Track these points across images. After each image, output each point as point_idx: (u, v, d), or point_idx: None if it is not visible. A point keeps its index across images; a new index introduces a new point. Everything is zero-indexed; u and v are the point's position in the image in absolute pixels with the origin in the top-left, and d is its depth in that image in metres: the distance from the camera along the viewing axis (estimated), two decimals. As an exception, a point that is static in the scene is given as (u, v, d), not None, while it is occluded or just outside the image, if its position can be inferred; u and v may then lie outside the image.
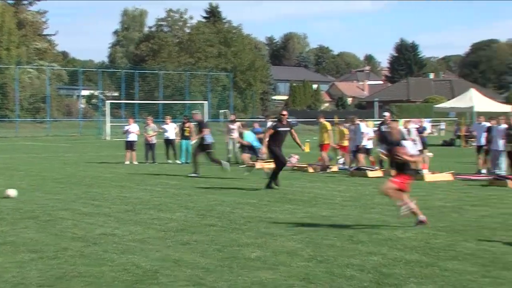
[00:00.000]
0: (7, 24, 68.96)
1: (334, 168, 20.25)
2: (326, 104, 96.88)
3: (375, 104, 74.16)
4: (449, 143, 39.81)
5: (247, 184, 16.30)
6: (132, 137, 24.10)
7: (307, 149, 28.44)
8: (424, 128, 21.75)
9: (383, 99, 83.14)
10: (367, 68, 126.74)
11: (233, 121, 24.64)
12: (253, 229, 9.53)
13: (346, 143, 20.93)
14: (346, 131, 20.94)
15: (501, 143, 17.66)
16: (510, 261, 7.45)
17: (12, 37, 69.55)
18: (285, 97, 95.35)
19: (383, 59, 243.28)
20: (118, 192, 14.36)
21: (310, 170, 19.93)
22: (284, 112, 15.18)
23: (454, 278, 6.69)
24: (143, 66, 73.11)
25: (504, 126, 17.87)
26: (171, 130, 24.75)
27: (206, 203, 12.44)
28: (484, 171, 18.90)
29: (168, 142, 24.53)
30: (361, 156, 20.18)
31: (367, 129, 20.56)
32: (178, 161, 23.95)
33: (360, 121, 20.76)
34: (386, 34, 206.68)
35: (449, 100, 50.96)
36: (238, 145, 23.55)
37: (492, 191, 14.62)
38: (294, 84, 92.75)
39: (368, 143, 20.30)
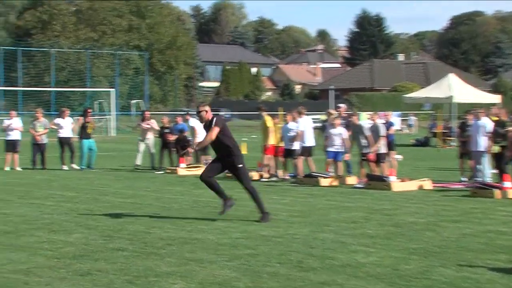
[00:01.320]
0: None
1: (281, 175, 20.41)
2: (269, 93, 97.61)
3: (330, 93, 75.19)
4: (423, 143, 40.74)
5: (168, 195, 16.23)
6: (15, 135, 23.76)
7: (244, 150, 28.39)
8: (391, 124, 22.13)
9: (340, 86, 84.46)
10: (320, 47, 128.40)
11: (146, 118, 24.62)
12: (175, 254, 9.50)
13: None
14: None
15: (482, 143, 18.16)
16: (497, 290, 7.68)
17: None
18: (216, 84, 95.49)
19: (341, 36, 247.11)
20: (-4, 207, 14.06)
21: (252, 177, 20.01)
22: (201, 108, 12.71)
23: (429, 312, 6.85)
24: (29, 42, 71.79)
25: (484, 121, 18.37)
26: (68, 126, 24.52)
27: (114, 221, 12.33)
28: (464, 178, 19.41)
29: (64, 142, 24.27)
30: (309, 160, 20.36)
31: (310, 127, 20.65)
32: (76, 166, 23.71)
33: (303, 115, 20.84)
34: (344, 5, 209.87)
35: (423, 88, 52.15)
36: (152, 146, 23.72)
37: (475, 203, 15.03)
38: (228, 67, 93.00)
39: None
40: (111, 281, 8.03)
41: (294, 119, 20.24)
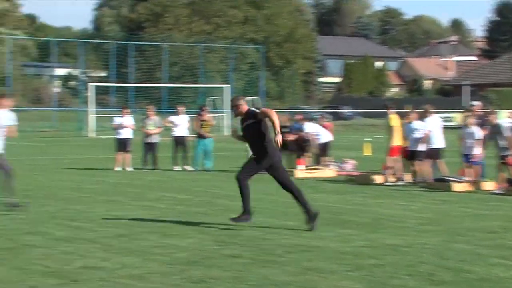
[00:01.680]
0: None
1: (408, 178, 20.15)
2: (395, 89, 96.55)
3: (464, 89, 73.66)
4: None
5: (285, 199, 16.30)
6: (126, 134, 24.24)
7: (367, 151, 28.35)
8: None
9: (476, 81, 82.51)
10: (454, 38, 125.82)
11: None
12: (293, 262, 9.53)
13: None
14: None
15: None
16: None
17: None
18: (338, 79, 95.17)
19: (477, 26, 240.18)
20: (107, 209, 14.48)
21: (375, 181, 19.91)
22: (236, 102, 12.58)
23: None
24: (141, 35, 73.55)
25: None
26: (183, 124, 24.73)
27: (228, 226, 12.47)
28: None
29: (179, 141, 24.58)
30: (441, 163, 20.05)
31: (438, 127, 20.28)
32: (189, 167, 24.05)
33: (432, 114, 20.52)
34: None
35: None
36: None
37: None
38: (350, 61, 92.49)
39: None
40: (226, 290, 8.14)
41: (420, 118, 19.97)
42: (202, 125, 24.06)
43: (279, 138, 12.08)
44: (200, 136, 23.97)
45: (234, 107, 12.49)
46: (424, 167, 19.70)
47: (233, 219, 12.31)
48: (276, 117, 12.04)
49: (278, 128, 12.09)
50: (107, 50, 68.56)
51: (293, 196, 12.48)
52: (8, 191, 14.26)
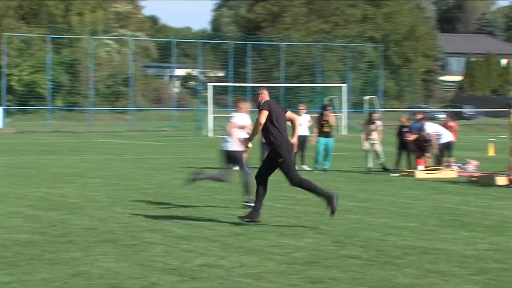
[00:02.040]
0: (79, -19, 72.25)
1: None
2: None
3: None
4: None
5: (404, 200, 16.09)
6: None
7: (491, 152, 27.69)
8: None
9: None
10: None
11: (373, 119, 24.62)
12: (414, 265, 9.41)
13: None
14: None
15: None
16: None
17: (86, -3, 72.65)
18: (459, 78, 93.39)
19: None
20: (225, 208, 14.66)
21: (498, 182, 19.42)
22: (258, 91, 13.00)
23: None
24: (259, 35, 74.10)
25: None
26: (305, 124, 24.67)
27: (346, 227, 12.43)
28: None
29: (300, 141, 24.49)
30: None
31: None
32: (306, 167, 24.04)
33: None
34: None
35: None
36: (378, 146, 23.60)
37: None
38: (473, 59, 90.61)
39: None
40: (344, 291, 8.11)
41: None
42: (323, 124, 23.99)
43: (294, 141, 12.74)
44: (321, 135, 23.91)
45: (256, 94, 12.81)
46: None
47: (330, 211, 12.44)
48: (297, 123, 12.91)
49: (297, 133, 12.95)
50: (225, 50, 69.32)
51: (305, 189, 12.77)
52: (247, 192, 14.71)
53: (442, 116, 50.95)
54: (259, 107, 12.55)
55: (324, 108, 25.09)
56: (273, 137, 12.58)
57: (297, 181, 12.78)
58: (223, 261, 9.62)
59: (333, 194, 12.45)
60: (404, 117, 24.41)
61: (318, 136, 24.04)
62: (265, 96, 12.70)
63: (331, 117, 24.39)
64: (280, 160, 12.66)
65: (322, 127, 23.96)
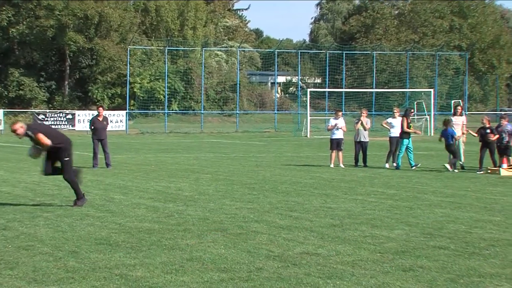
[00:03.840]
0: (194, -1, 73.18)
1: None
2: None
3: None
4: None
5: (489, 196, 15.72)
6: (339, 134, 24.32)
7: None
8: None
9: None
10: None
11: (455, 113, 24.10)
12: (499, 256, 9.18)
13: None
14: None
15: None
16: None
17: (199, 13, 73.76)
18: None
19: None
20: (322, 202, 14.60)
21: None
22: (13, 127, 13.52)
23: None
24: (353, 45, 73.72)
25: None
26: (398, 126, 24.31)
27: (434, 219, 12.22)
28: None
29: (393, 142, 24.25)
30: None
31: None
32: (387, 165, 23.67)
33: None
34: None
35: None
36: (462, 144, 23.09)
37: None
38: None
39: None
40: (433, 279, 7.96)
41: None
42: (409, 126, 23.67)
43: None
44: (404, 136, 23.57)
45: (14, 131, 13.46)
46: None
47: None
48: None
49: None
50: (322, 59, 69.23)
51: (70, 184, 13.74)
52: None
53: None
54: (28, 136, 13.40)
55: (408, 110, 24.72)
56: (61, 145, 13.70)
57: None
58: (321, 249, 9.60)
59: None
60: (486, 118, 23.81)
61: (401, 137, 23.58)
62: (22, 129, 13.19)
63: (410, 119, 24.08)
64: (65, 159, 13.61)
65: (408, 128, 23.61)
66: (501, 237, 10.54)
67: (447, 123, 22.98)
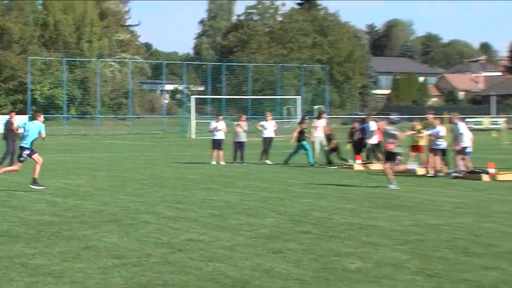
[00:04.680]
0: (89, 15, 71.73)
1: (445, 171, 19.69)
2: (434, 99, 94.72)
3: (492, 99, 71.73)
4: None
5: (345, 187, 16.17)
6: (220, 135, 24.40)
7: (421, 150, 27.59)
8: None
9: (501, 93, 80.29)
10: (483, 58, 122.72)
11: (318, 117, 24.61)
12: (353, 238, 9.45)
13: (421, 143, 20.95)
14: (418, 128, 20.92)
15: None
16: None
17: (94, 28, 72.27)
18: (387, 91, 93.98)
19: (502, 47, 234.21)
20: (204, 195, 14.60)
21: (418, 172, 19.55)
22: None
23: None
24: (231, 58, 74.04)
25: None
26: (271, 128, 24.76)
27: (300, 208, 12.44)
28: None
29: (266, 141, 24.56)
30: (459, 157, 19.18)
31: (466, 130, 19.52)
32: (269, 162, 24.00)
33: (460, 119, 19.91)
34: (506, 19, 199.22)
35: None
36: (321, 144, 23.52)
37: None
38: (398, 77, 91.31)
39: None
40: (299, 259, 8.11)
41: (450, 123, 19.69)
42: (303, 132, 23.75)
43: None
44: (301, 139, 23.63)
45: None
46: (458, 162, 19.14)
47: None
48: None
49: None
50: (205, 70, 69.26)
51: None
52: None
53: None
54: None
55: (303, 118, 25.07)
56: None
57: None
58: (204, 236, 9.60)
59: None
60: (356, 121, 24.43)
61: (298, 141, 23.68)
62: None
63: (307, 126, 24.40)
64: None
65: (303, 134, 23.71)
66: (355, 222, 10.86)
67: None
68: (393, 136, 16.42)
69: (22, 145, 15.48)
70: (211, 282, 7.02)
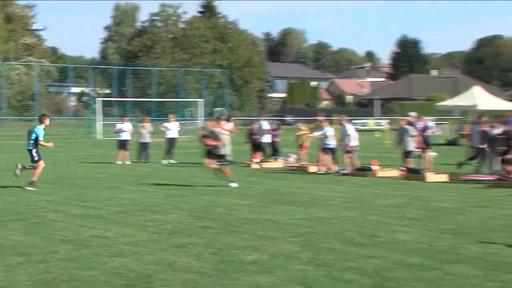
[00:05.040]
0: (-6, 19, 68.82)
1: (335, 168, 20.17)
2: (325, 102, 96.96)
3: (375, 102, 74.16)
4: (452, 143, 39.81)
5: (244, 185, 16.29)
6: (125, 136, 24.08)
7: (306, 149, 28.22)
8: (428, 127, 21.67)
9: (384, 96, 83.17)
10: (368, 65, 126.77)
11: (227, 120, 24.79)
12: (250, 232, 9.53)
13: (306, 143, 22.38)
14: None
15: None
16: (515, 264, 7.46)
17: (-1, 31, 69.47)
18: (283, 95, 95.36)
19: (385, 55, 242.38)
20: (110, 193, 14.34)
21: (310, 170, 19.93)
22: None
23: (458, 282, 6.71)
24: (136, 62, 72.99)
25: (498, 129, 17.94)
26: (174, 129, 24.70)
27: (201, 205, 12.43)
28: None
29: (170, 142, 24.46)
30: (346, 156, 19.71)
31: (354, 131, 20.10)
32: (173, 161, 23.87)
33: (348, 122, 20.51)
34: (388, 30, 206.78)
35: (452, 98, 50.88)
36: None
37: (498, 191, 14.62)
38: (292, 82, 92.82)
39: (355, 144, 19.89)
40: (200, 252, 8.11)
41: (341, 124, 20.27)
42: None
43: None
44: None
45: None
46: (346, 160, 19.70)
47: None
48: None
49: None
50: (111, 73, 67.96)
51: None
52: None
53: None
54: None
55: (217, 118, 25.00)
56: None
57: None
58: (109, 233, 9.43)
59: None
60: (255, 124, 24.62)
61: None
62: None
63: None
64: None
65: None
66: (252, 217, 10.96)
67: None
68: (215, 136, 16.26)
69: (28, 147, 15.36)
70: (116, 276, 6.91)
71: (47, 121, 15.43)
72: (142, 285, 6.57)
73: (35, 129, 15.13)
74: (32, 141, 15.09)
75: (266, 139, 23.36)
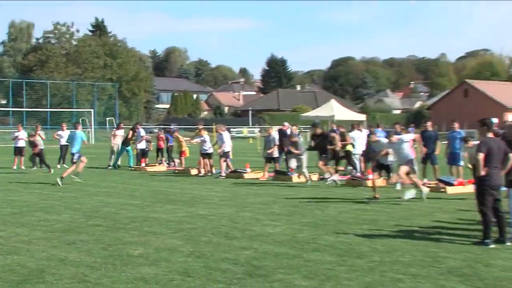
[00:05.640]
0: None
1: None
2: (205, 112, 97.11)
3: (249, 113, 75.23)
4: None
5: (132, 186, 15.97)
6: (21, 143, 22.96)
7: (187, 153, 28.19)
8: (296, 134, 22.03)
9: (256, 108, 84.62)
10: (242, 80, 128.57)
11: (118, 127, 24.38)
12: (137, 229, 9.36)
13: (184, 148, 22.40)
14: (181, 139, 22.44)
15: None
16: (363, 250, 7.84)
17: None
18: (167, 106, 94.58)
19: (256, 72, 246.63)
20: (4, 195, 13.57)
21: (191, 173, 19.86)
22: None
23: (316, 267, 6.94)
24: (31, 75, 69.59)
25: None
26: (66, 136, 23.76)
27: (92, 205, 12.06)
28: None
29: (63, 148, 23.57)
30: (222, 160, 19.80)
31: (229, 138, 20.22)
32: (66, 166, 22.90)
33: (224, 130, 20.61)
34: (259, 50, 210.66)
35: (314, 109, 52.62)
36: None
37: (351, 189, 15.28)
38: (176, 94, 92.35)
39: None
40: (90, 248, 7.86)
41: (217, 132, 20.28)
42: (131, 139, 23.09)
43: None
44: (127, 144, 22.99)
45: None
46: (222, 164, 19.71)
47: None
48: None
49: None
50: (7, 86, 64.46)
51: None
52: None
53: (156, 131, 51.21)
54: None
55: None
56: None
57: None
58: (3, 233, 8.92)
59: None
60: (160, 132, 24.36)
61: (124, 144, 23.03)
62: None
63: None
64: None
65: (129, 140, 23.05)
66: (139, 215, 10.78)
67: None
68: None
69: (72, 151, 16.36)
70: (9, 273, 6.54)
71: (80, 128, 15.09)
72: (35, 280, 6.26)
73: (80, 135, 14.88)
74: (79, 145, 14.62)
75: (142, 145, 23.06)
